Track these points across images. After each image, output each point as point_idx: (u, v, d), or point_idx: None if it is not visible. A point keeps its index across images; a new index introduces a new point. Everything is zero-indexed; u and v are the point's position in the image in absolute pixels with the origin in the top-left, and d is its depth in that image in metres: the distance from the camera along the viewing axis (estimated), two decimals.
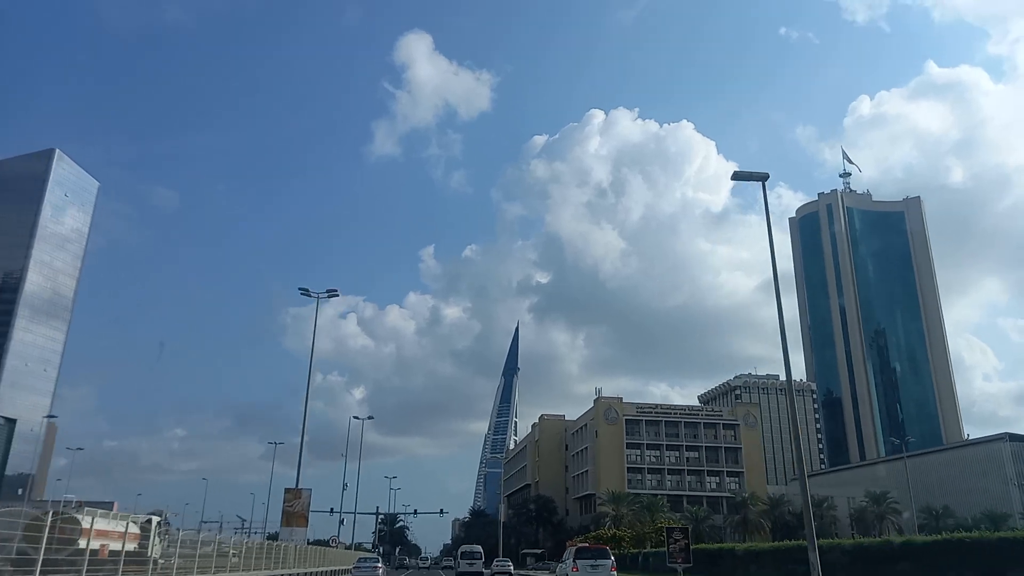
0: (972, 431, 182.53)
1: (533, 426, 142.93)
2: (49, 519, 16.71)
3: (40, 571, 15.42)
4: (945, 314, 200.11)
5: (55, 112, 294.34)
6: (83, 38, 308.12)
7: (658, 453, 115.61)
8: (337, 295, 47.73)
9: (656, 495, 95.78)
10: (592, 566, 29.86)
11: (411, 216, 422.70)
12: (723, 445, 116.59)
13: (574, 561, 30.57)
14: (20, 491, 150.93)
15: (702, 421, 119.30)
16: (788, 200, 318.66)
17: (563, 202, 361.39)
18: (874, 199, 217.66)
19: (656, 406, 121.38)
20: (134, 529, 22.73)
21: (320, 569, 47.29)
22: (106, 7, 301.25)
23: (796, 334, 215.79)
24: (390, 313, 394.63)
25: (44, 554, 15.93)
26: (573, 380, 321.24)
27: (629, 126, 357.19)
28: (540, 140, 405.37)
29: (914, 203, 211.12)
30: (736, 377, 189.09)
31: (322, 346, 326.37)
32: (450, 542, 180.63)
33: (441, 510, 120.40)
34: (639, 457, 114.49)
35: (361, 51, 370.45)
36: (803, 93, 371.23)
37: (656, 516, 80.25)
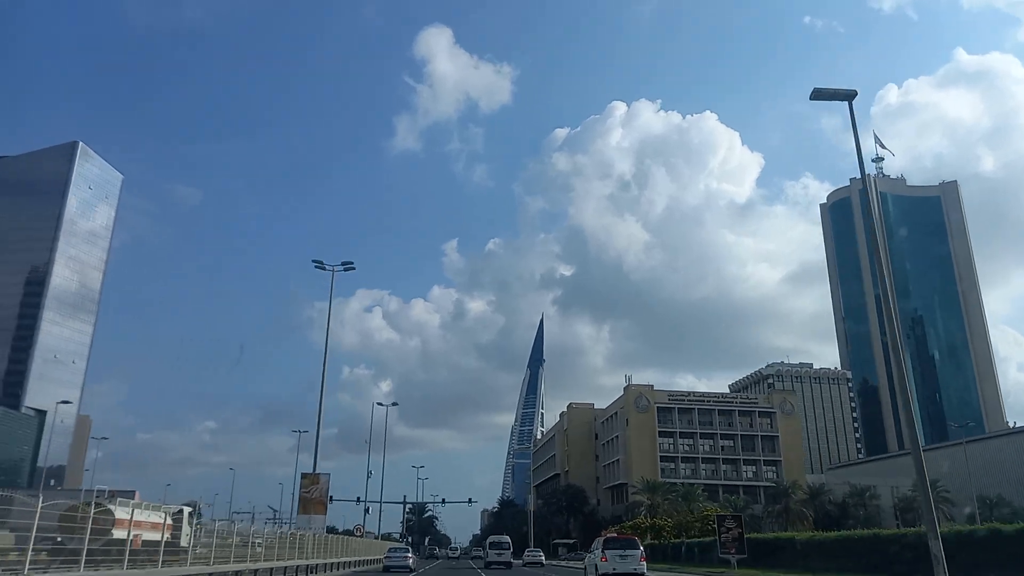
0: (1011, 421, 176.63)
1: (561, 415, 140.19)
2: (92, 511, 17.23)
3: (85, 561, 15.72)
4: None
5: (77, 107, 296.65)
6: (107, 36, 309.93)
7: (691, 442, 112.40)
8: (353, 268, 45.51)
9: (692, 484, 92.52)
10: (621, 556, 29.11)
11: (434, 210, 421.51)
12: (759, 433, 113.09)
13: (603, 551, 29.83)
14: (52, 482, 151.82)
15: (736, 409, 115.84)
16: (814, 191, 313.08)
17: (586, 195, 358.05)
18: (908, 184, 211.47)
19: (688, 393, 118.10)
20: (166, 519, 23.40)
21: (346, 559, 44.33)
22: (130, 5, 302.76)
23: (828, 324, 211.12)
24: (415, 307, 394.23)
25: (83, 544, 16.21)
26: (598, 373, 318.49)
27: (651, 118, 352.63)
28: (562, 133, 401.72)
29: (951, 188, 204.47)
30: (768, 366, 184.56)
31: (348, 340, 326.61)
32: (479, 532, 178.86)
33: (470, 499, 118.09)
34: (672, 446, 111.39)
35: (381, 46, 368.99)
36: (828, 82, 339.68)
37: (692, 505, 77.46)
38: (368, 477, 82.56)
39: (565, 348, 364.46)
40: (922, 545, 21.03)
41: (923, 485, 18.49)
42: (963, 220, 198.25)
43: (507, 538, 60.75)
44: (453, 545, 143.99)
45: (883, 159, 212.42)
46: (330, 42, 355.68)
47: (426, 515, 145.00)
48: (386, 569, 45.21)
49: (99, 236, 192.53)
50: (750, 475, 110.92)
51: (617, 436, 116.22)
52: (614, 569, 28.85)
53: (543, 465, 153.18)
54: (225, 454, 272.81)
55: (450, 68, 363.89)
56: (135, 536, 20.36)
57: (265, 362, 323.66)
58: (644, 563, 29.87)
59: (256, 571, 27.12)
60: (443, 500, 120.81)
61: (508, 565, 54.31)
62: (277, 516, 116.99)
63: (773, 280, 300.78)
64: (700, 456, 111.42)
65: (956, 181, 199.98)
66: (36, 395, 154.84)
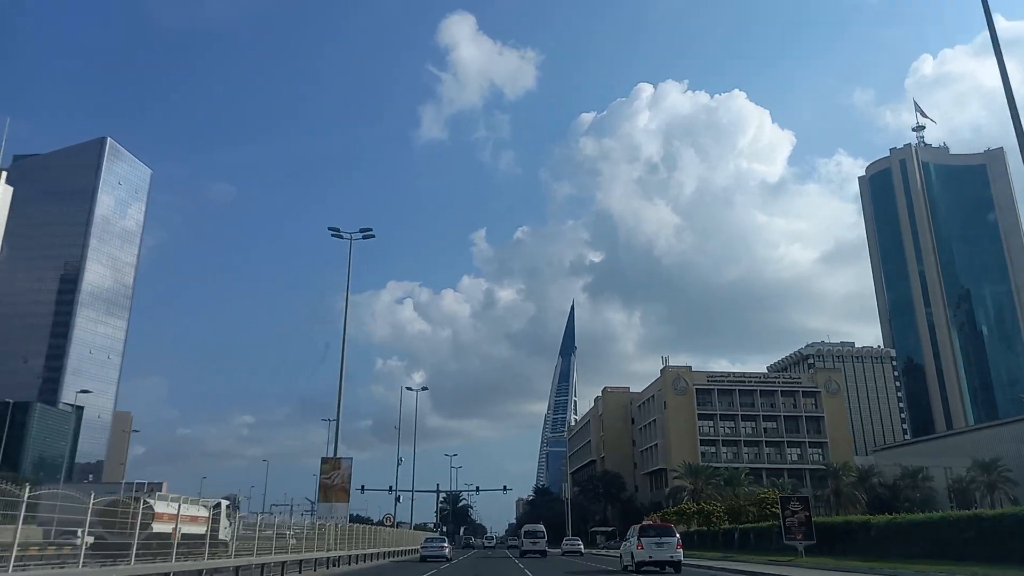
0: None
1: (596, 399, 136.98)
2: (140, 506, 17.63)
3: (136, 555, 16.10)
4: None
5: (104, 105, 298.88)
6: (131, 34, 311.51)
7: (732, 424, 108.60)
8: (373, 236, 42.70)
9: (736, 468, 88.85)
10: (657, 544, 28.79)
11: (462, 200, 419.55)
12: (803, 414, 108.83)
13: (638, 539, 29.56)
14: (90, 477, 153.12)
15: (779, 389, 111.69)
16: (848, 167, 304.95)
17: (613, 179, 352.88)
18: (951, 152, 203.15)
19: (728, 374, 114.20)
20: (204, 512, 23.79)
21: (372, 551, 41.52)
22: (153, 4, 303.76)
23: (865, 303, 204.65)
24: (445, 297, 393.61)
25: (123, 538, 16.68)
26: (630, 359, 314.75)
27: (679, 99, 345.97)
28: (588, 117, 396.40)
29: (996, 155, 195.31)
30: (808, 345, 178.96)
31: (380, 332, 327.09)
32: (514, 521, 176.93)
33: (504, 486, 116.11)
34: (712, 429, 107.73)
35: (405, 36, 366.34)
36: (861, 55, 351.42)
37: (738, 489, 74.19)
38: (398, 464, 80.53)
39: (596, 335, 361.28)
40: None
41: None
42: (1011, 189, 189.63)
43: (541, 527, 59.96)
44: (489, 535, 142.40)
45: (924, 127, 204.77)
46: (353, 34, 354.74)
47: (460, 504, 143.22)
48: (423, 559, 45.49)
49: (131, 232, 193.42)
50: (795, 457, 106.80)
51: (655, 420, 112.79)
52: (650, 557, 28.59)
53: (578, 452, 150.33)
54: (263, 446, 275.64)
55: (474, 55, 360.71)
56: (173, 530, 20.72)
57: (300, 355, 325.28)
58: (680, 551, 29.32)
59: (300, 562, 27.65)
60: (477, 488, 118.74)
61: (543, 554, 53.40)
62: (314, 508, 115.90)
63: (807, 260, 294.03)
64: (742, 439, 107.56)
65: (1002, 148, 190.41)
66: (72, 391, 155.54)
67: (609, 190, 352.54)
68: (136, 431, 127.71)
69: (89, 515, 14.59)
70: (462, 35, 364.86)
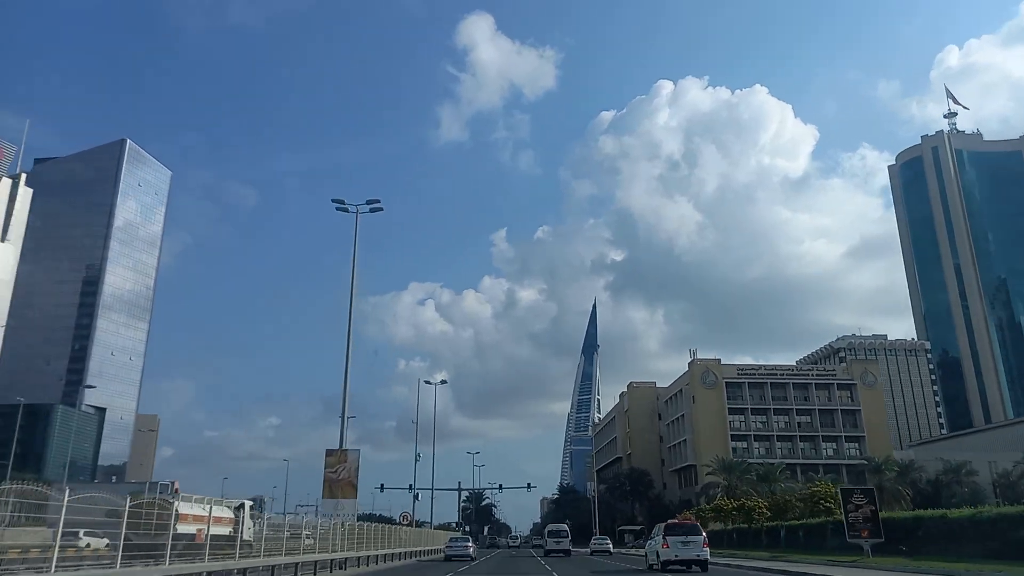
0: None
1: (622, 395, 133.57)
2: (174, 507, 18.28)
3: (170, 557, 16.66)
4: None
5: (123, 107, 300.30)
6: (151, 37, 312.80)
7: (764, 418, 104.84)
8: (380, 208, 39.62)
9: (771, 463, 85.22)
10: (683, 542, 28.40)
11: (482, 200, 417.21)
12: (839, 407, 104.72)
13: (664, 537, 29.19)
14: (113, 479, 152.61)
15: (813, 382, 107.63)
16: (873, 161, 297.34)
17: (634, 177, 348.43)
18: (985, 139, 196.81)
19: (759, 366, 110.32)
20: (228, 514, 24.23)
21: (384, 551, 38.53)
22: (173, 6, 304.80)
23: (894, 297, 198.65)
24: (466, 298, 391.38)
25: (146, 539, 17.11)
26: (653, 358, 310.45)
27: (699, 95, 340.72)
28: (607, 115, 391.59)
29: None
30: (840, 339, 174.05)
31: (403, 333, 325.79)
32: (539, 521, 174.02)
33: (528, 484, 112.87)
34: (743, 423, 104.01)
35: (423, 36, 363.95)
36: (885, 47, 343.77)
37: (774, 485, 70.80)
38: (416, 460, 77.90)
39: (619, 334, 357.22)
40: None
41: None
42: None
43: (565, 526, 60.02)
44: (514, 534, 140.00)
45: (956, 115, 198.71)
46: (372, 34, 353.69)
47: (484, 503, 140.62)
48: (448, 558, 45.63)
49: (152, 234, 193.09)
50: (830, 452, 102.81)
51: (683, 415, 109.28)
52: (676, 555, 28.27)
53: (604, 449, 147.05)
54: (289, 448, 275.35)
55: (493, 55, 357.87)
56: (199, 531, 21.15)
57: (324, 356, 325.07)
58: (707, 549, 28.92)
59: (331, 562, 27.73)
60: (500, 486, 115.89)
61: (567, 553, 53.01)
62: (318, 505, 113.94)
63: (832, 256, 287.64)
64: (775, 433, 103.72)
65: None
66: (94, 393, 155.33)
67: (629, 188, 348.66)
68: (151, 430, 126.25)
69: (126, 519, 15.05)
70: (481, 35, 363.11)
